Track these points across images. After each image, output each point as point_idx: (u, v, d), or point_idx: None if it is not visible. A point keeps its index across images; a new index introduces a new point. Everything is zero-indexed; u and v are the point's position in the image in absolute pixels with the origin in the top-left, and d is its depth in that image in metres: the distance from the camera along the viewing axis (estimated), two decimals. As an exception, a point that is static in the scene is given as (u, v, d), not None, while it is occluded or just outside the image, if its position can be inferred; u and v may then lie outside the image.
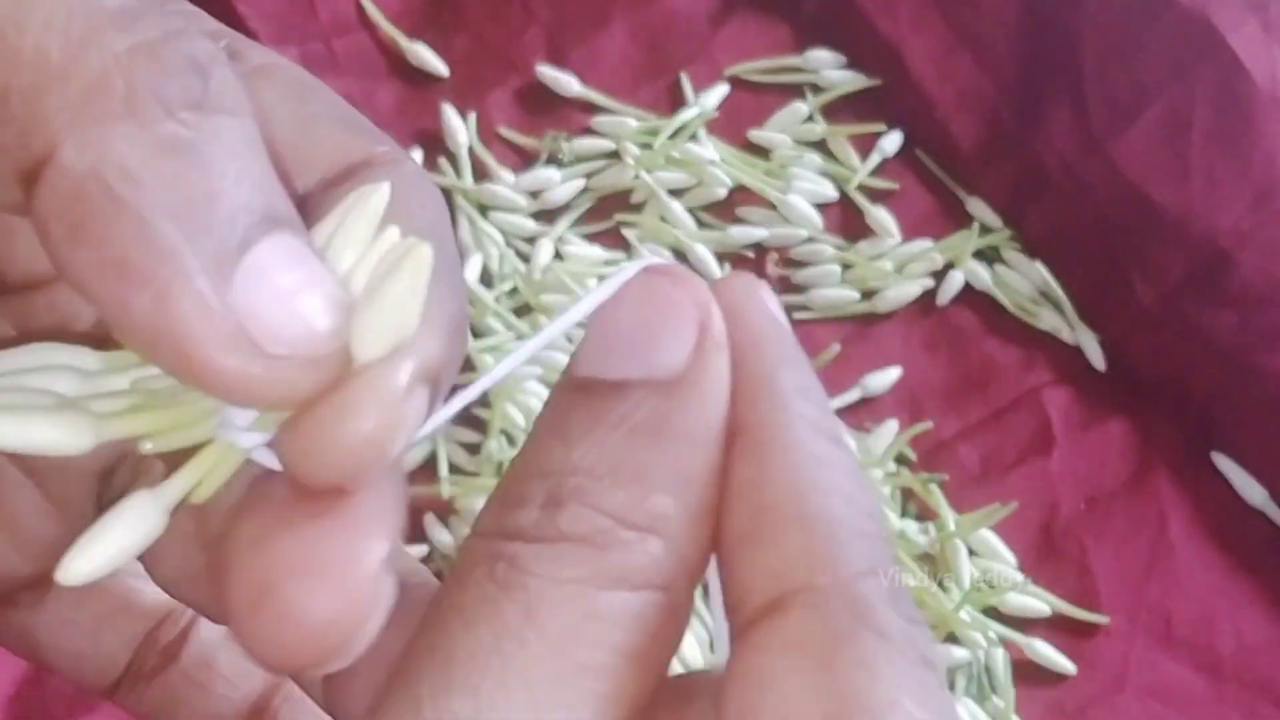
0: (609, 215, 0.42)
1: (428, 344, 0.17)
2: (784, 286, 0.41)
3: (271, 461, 0.17)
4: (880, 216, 0.41)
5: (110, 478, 0.22)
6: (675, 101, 0.43)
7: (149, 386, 0.18)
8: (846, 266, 0.41)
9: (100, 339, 0.19)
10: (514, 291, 0.41)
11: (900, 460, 0.38)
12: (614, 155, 0.42)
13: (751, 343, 0.18)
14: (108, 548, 0.17)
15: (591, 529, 0.17)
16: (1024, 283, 0.41)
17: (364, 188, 0.17)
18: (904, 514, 0.38)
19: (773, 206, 0.42)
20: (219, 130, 0.16)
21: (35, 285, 0.21)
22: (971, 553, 0.38)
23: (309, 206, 0.18)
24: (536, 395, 0.39)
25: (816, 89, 0.43)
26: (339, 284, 0.17)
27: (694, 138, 0.42)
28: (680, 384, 0.18)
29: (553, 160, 0.42)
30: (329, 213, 0.17)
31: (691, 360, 0.18)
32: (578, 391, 0.18)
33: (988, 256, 0.41)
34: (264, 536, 0.17)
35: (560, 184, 0.42)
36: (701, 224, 0.42)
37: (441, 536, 0.38)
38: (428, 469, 0.39)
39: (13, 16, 0.16)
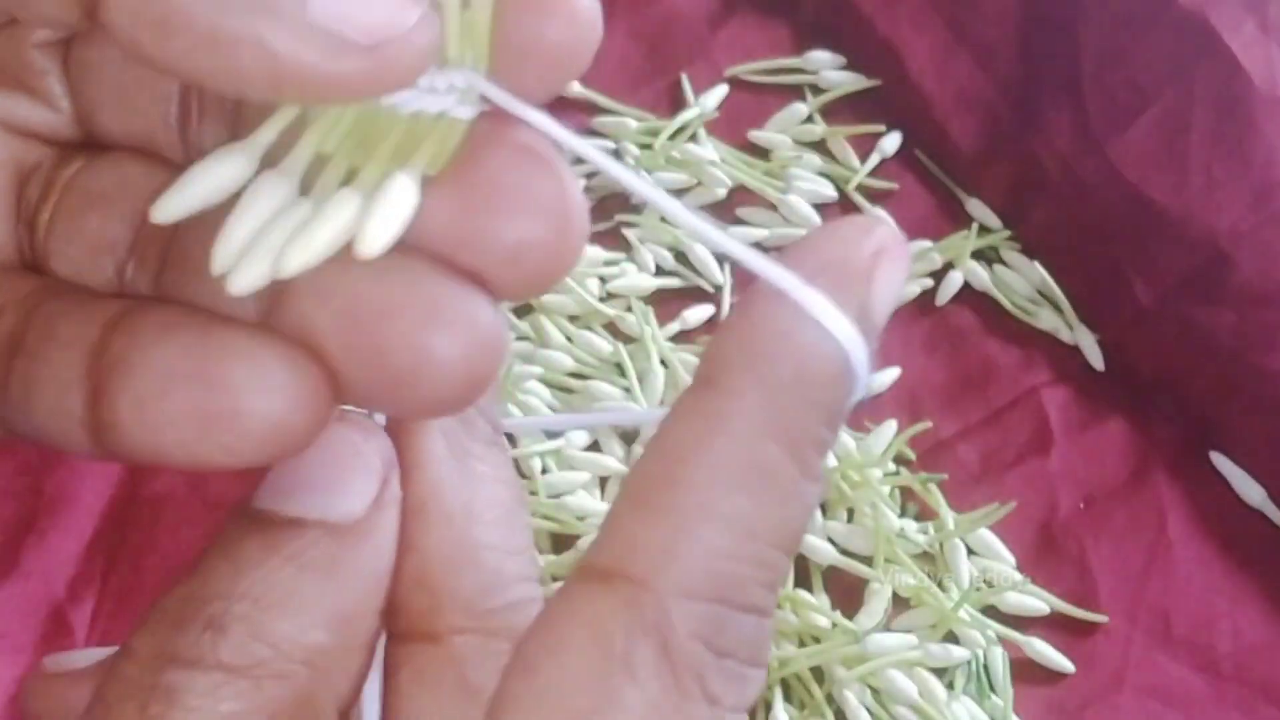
0: (609, 215, 0.42)
1: None
2: (783, 286, 0.41)
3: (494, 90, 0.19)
4: (879, 217, 0.42)
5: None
6: (675, 102, 0.43)
7: (334, 143, 0.19)
8: (846, 266, 0.41)
9: None
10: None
11: (899, 460, 0.39)
12: (614, 155, 0.43)
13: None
14: (386, 221, 0.18)
15: (252, 660, 0.18)
16: (1023, 283, 0.41)
17: None
18: (903, 513, 0.38)
19: (773, 207, 0.42)
20: None
21: None
22: (970, 552, 0.38)
23: None
24: (536, 395, 0.39)
25: (816, 90, 0.43)
26: None
27: (694, 138, 0.42)
28: (355, 530, 0.19)
29: (553, 160, 0.42)
30: None
31: (369, 510, 0.19)
32: (253, 522, 0.19)
33: (987, 257, 0.42)
34: None
35: (560, 184, 0.42)
36: (701, 224, 0.42)
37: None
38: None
39: None
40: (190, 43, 0.17)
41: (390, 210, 0.18)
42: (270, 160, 0.19)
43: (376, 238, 0.18)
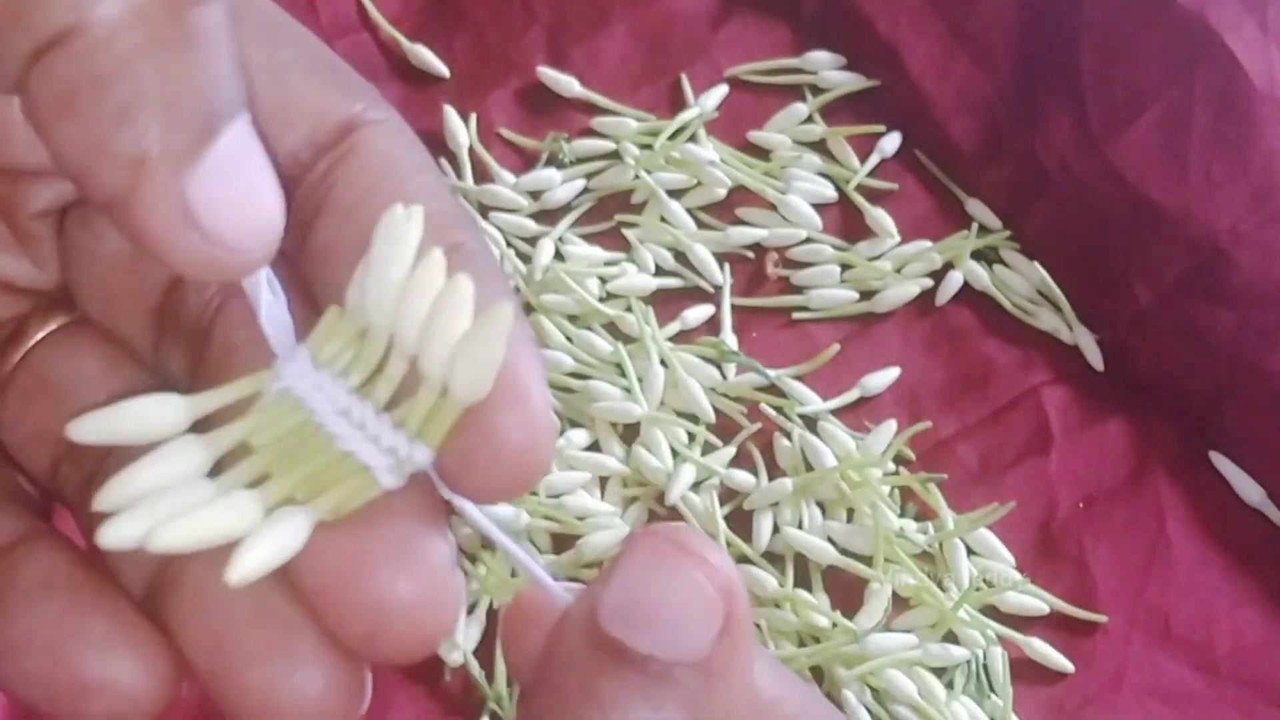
0: (609, 216, 0.42)
1: (530, 351, 0.19)
2: (783, 286, 0.41)
3: (437, 479, 0.19)
4: (879, 217, 0.42)
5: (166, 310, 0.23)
6: (675, 102, 0.43)
7: (263, 438, 0.19)
8: (845, 267, 0.41)
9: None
10: (515, 291, 0.41)
11: (899, 460, 0.39)
12: (614, 156, 0.43)
13: None
14: (267, 556, 0.18)
15: None
16: (1023, 283, 0.41)
17: (390, 213, 0.18)
18: (903, 513, 0.38)
19: (772, 207, 0.42)
20: (208, 28, 0.17)
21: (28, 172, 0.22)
22: (970, 552, 0.38)
23: (296, 169, 0.20)
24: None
25: (816, 90, 0.43)
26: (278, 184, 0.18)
27: (694, 138, 0.42)
28: (709, 669, 0.19)
29: (553, 161, 0.43)
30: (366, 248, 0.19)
31: (717, 645, 0.19)
32: (609, 655, 0.19)
33: (986, 257, 0.42)
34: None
35: (561, 184, 0.42)
36: (701, 224, 0.42)
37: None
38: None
39: None
40: (78, 137, 0.17)
41: (272, 546, 0.18)
42: (201, 426, 0.19)
43: (246, 569, 0.18)
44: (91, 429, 0.19)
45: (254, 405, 0.19)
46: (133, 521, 0.18)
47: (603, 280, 0.41)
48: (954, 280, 0.41)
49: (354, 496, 0.19)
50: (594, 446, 0.39)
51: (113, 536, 0.18)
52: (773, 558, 0.38)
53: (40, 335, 0.22)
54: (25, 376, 0.22)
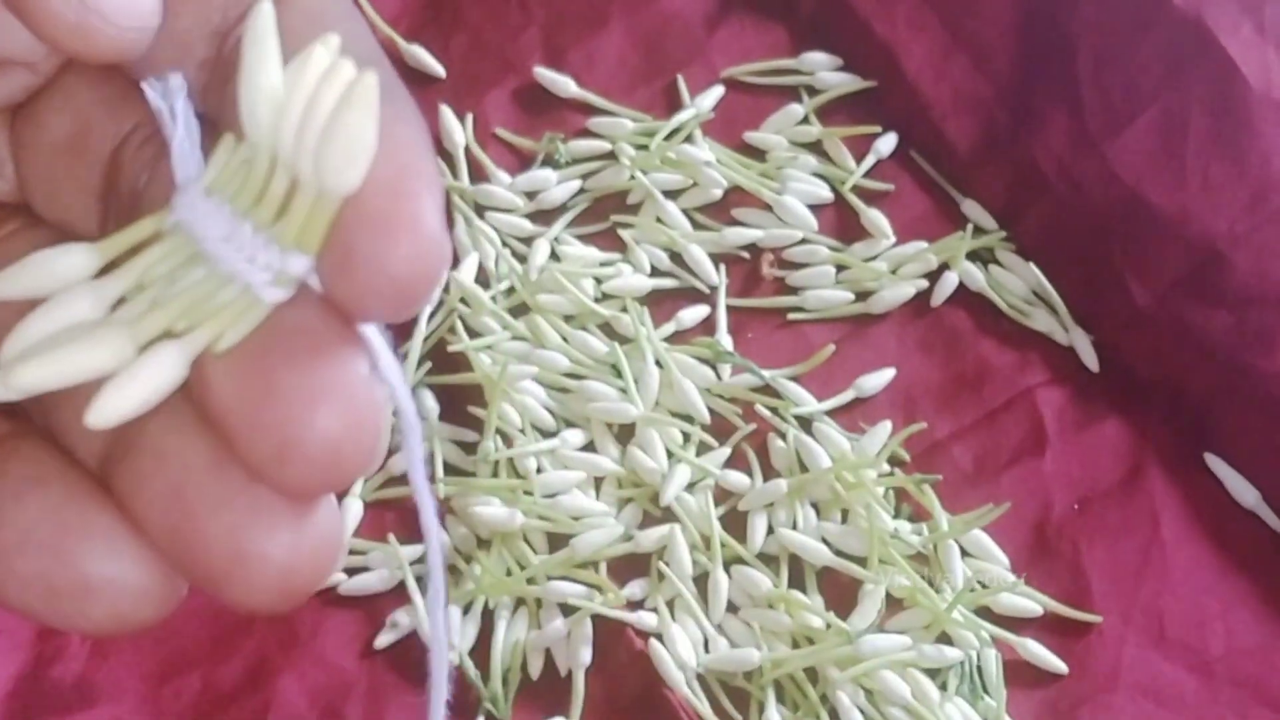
0: (605, 216, 0.42)
1: (423, 164, 0.17)
2: (779, 287, 0.41)
3: (316, 285, 0.18)
4: (875, 218, 0.42)
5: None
6: (671, 103, 0.43)
7: (156, 275, 0.18)
8: (841, 267, 0.41)
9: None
10: (510, 291, 0.41)
11: (894, 461, 0.39)
12: (610, 156, 0.43)
13: None
14: (133, 394, 0.17)
15: None
16: (1018, 284, 0.41)
17: (256, 9, 0.18)
18: (897, 514, 0.38)
19: (768, 207, 0.42)
20: None
21: None
22: (964, 553, 0.38)
23: (224, 26, 0.20)
24: (532, 395, 0.39)
25: (812, 91, 0.43)
26: None
27: (690, 139, 0.42)
28: None
29: (549, 161, 0.43)
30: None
31: None
32: None
33: (982, 258, 0.42)
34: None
35: (557, 185, 0.42)
36: (697, 225, 0.42)
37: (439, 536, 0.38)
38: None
39: None
40: None
41: (139, 383, 0.17)
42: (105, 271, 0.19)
43: (107, 409, 0.17)
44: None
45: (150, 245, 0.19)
46: (31, 368, 0.17)
47: (598, 280, 0.41)
48: (949, 281, 0.41)
49: (237, 320, 0.18)
50: (589, 446, 0.39)
51: (11, 382, 0.18)
52: (767, 559, 0.38)
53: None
54: None
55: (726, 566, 0.37)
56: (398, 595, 0.37)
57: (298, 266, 0.18)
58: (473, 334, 0.40)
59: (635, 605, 0.37)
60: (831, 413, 0.40)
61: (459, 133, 0.42)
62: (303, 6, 0.20)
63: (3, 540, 0.19)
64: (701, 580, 0.37)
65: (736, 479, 0.38)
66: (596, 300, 0.40)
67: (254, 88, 0.17)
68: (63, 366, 0.17)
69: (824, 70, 0.43)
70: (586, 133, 0.43)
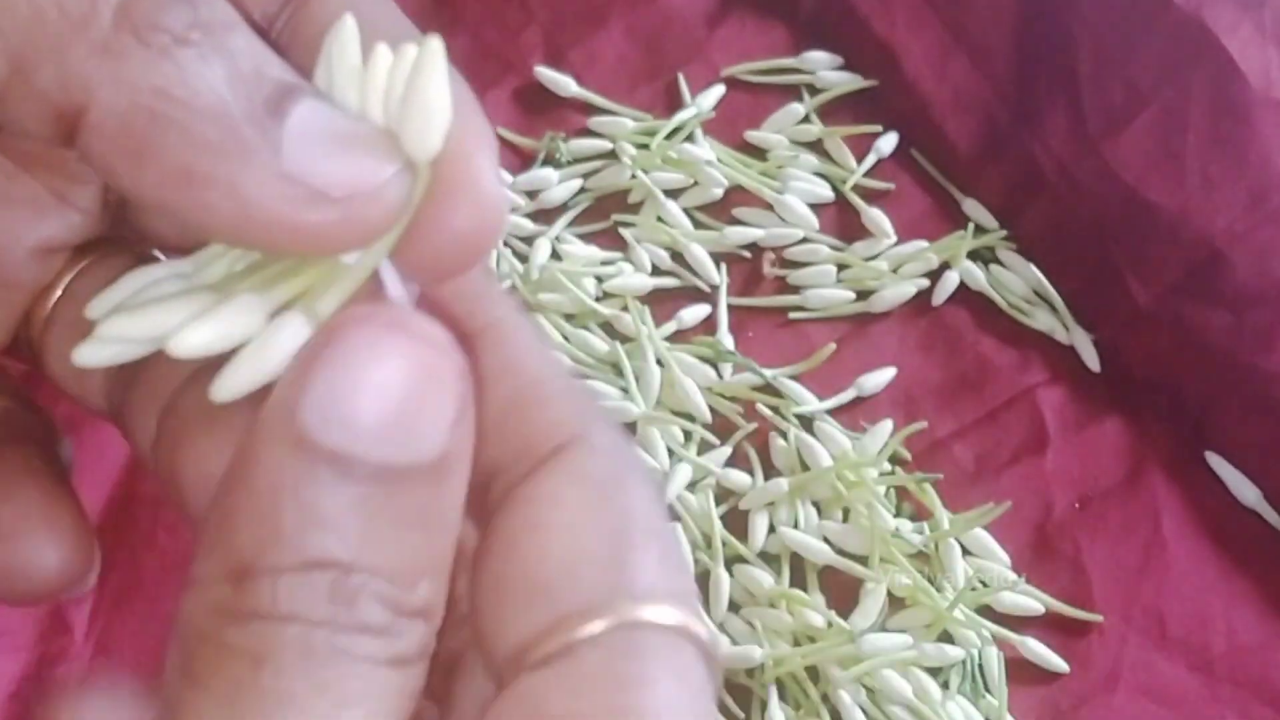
0: (606, 215, 0.42)
1: (479, 124, 0.18)
2: (780, 286, 0.41)
3: (393, 279, 0.18)
4: (876, 217, 0.42)
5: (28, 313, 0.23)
6: (672, 102, 0.43)
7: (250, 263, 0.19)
8: (842, 266, 0.41)
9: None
10: (512, 290, 0.41)
11: (895, 460, 0.39)
12: (611, 155, 0.43)
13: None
14: (261, 367, 0.18)
15: (380, 622, 0.17)
16: (1019, 283, 0.41)
17: (333, 28, 0.18)
18: (898, 513, 0.38)
19: (769, 207, 0.42)
20: (218, 34, 0.18)
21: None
22: (966, 552, 0.38)
23: (276, 31, 0.20)
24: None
25: (813, 90, 0.43)
26: (363, 116, 0.18)
27: (691, 138, 0.42)
28: (439, 469, 0.17)
29: (550, 160, 0.43)
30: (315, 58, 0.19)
31: (449, 440, 0.17)
32: (326, 465, 0.16)
33: (983, 257, 0.42)
34: None
35: (557, 184, 0.42)
36: (698, 224, 0.42)
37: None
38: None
39: None
40: (163, 177, 0.17)
41: (271, 352, 0.18)
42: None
43: (237, 382, 0.18)
44: (105, 303, 0.19)
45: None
46: (103, 345, 0.18)
47: (599, 280, 0.41)
48: (950, 280, 0.41)
49: (329, 286, 0.18)
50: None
51: (89, 356, 0.18)
52: (768, 557, 0.38)
53: (80, 267, 0.22)
54: (68, 309, 0.22)
55: (728, 565, 0.37)
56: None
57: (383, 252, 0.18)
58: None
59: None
60: (832, 412, 0.40)
61: (460, 132, 0.42)
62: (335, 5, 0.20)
63: None
64: (703, 579, 0.37)
65: (738, 478, 0.38)
66: (597, 299, 0.40)
67: (336, 71, 0.18)
68: (212, 335, 0.18)
69: (825, 69, 0.43)
70: (587, 132, 0.43)
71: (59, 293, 0.22)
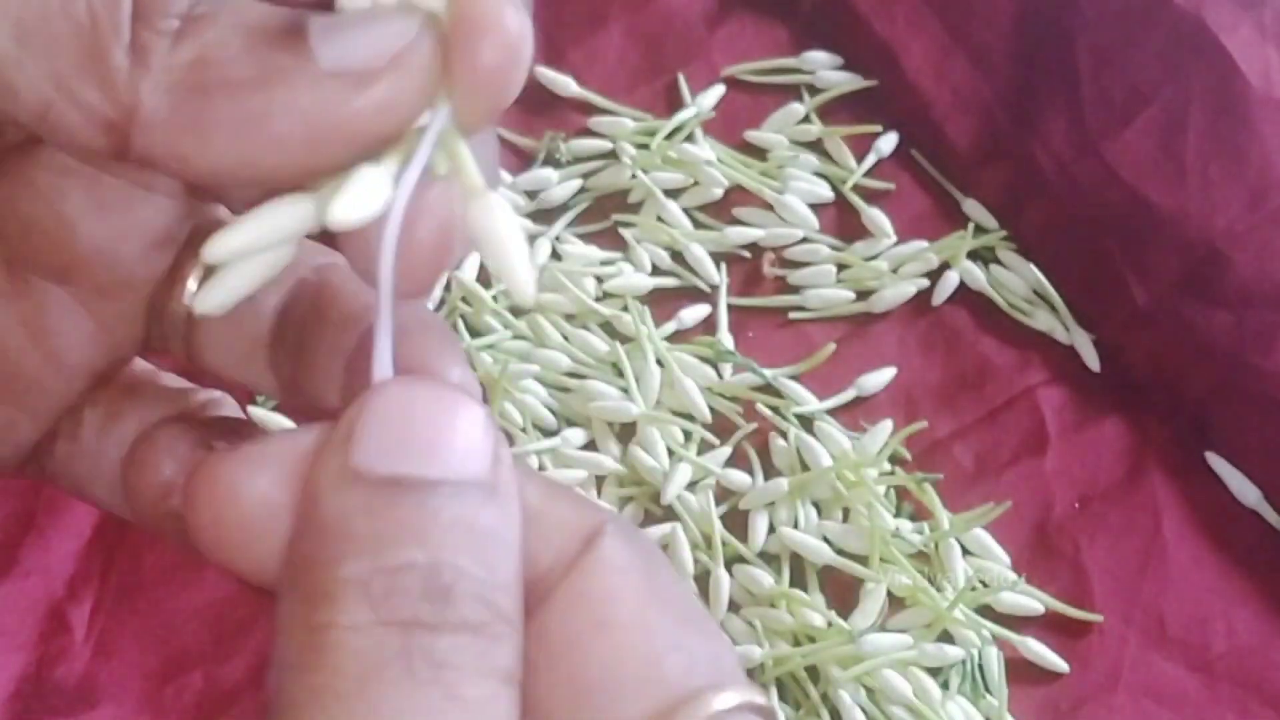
0: (606, 215, 0.42)
1: None
2: (780, 286, 0.41)
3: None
4: (876, 217, 0.42)
5: (160, 309, 0.24)
6: (672, 102, 0.43)
7: None
8: (842, 266, 0.41)
9: None
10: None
11: (895, 460, 0.39)
12: (611, 155, 0.43)
13: None
14: (257, 228, 0.19)
15: (480, 619, 0.17)
16: (1019, 283, 0.41)
17: None
18: (898, 513, 0.38)
19: (769, 206, 0.42)
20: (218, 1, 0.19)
21: None
22: (965, 552, 0.38)
23: None
24: (534, 393, 0.39)
25: (813, 90, 0.43)
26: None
27: (691, 138, 0.42)
28: (492, 486, 0.18)
29: (550, 160, 0.43)
30: None
31: (492, 460, 0.18)
32: (392, 489, 0.18)
33: (983, 257, 0.42)
34: None
35: (557, 184, 0.42)
36: (698, 224, 0.42)
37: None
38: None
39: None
40: (228, 136, 0.18)
41: (258, 222, 0.19)
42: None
43: (224, 247, 0.19)
44: (224, 245, 0.19)
45: None
46: (223, 288, 0.19)
47: (599, 280, 0.41)
48: (950, 280, 0.41)
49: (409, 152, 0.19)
50: (590, 445, 0.39)
51: (209, 301, 0.19)
52: (768, 557, 0.38)
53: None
54: None
55: (728, 565, 0.37)
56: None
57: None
58: (474, 333, 0.40)
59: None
60: (832, 412, 0.40)
61: (460, 132, 0.42)
62: None
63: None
64: (703, 579, 0.37)
65: (737, 478, 0.38)
66: (597, 299, 0.40)
67: None
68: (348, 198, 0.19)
69: (825, 69, 0.43)
70: (587, 132, 0.43)
71: (192, 285, 0.23)
